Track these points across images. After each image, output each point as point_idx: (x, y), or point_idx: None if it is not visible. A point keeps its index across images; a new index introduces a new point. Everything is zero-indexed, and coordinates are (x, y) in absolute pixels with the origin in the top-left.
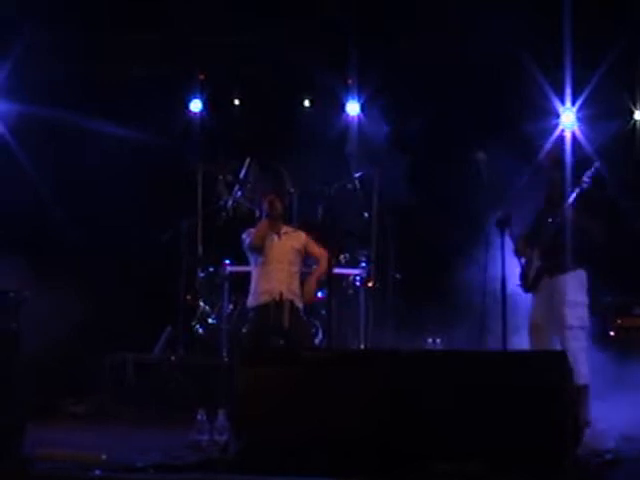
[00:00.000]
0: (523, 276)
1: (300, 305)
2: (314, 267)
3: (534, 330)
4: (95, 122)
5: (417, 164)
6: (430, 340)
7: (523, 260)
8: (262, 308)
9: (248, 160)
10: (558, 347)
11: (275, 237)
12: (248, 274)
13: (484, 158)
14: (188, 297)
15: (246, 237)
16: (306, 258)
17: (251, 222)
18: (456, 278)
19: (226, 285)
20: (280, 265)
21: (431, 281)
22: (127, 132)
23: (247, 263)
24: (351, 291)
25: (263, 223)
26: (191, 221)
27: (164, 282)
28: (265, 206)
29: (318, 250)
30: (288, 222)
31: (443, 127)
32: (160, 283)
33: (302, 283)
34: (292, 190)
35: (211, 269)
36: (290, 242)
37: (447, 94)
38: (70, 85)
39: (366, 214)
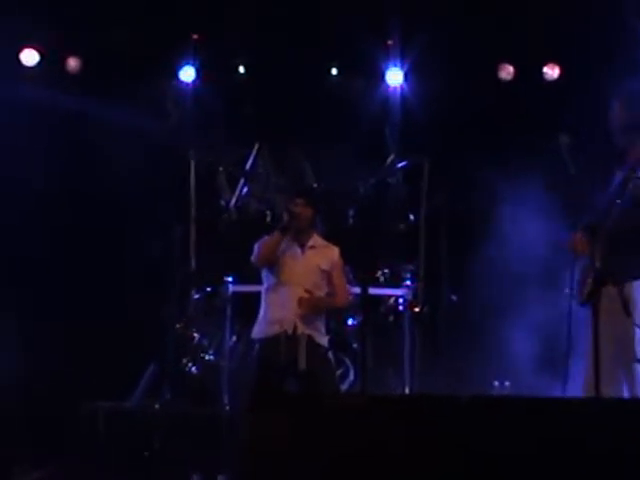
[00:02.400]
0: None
1: (323, 341)
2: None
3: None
4: (61, 99)
5: (479, 151)
6: (497, 383)
7: (582, 260)
8: (270, 341)
9: (257, 146)
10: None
11: (298, 250)
12: (257, 296)
13: (568, 142)
14: (178, 326)
15: (256, 248)
16: None
17: (261, 227)
18: (531, 302)
19: (228, 310)
20: (299, 288)
21: (498, 305)
22: (99, 110)
23: (256, 281)
24: (392, 318)
25: (275, 237)
26: (182, 227)
27: (147, 306)
28: (285, 215)
29: (340, 281)
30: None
31: (516, 104)
32: (142, 307)
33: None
34: (315, 186)
35: (209, 289)
36: (316, 259)
37: (516, 59)
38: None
39: (412, 217)
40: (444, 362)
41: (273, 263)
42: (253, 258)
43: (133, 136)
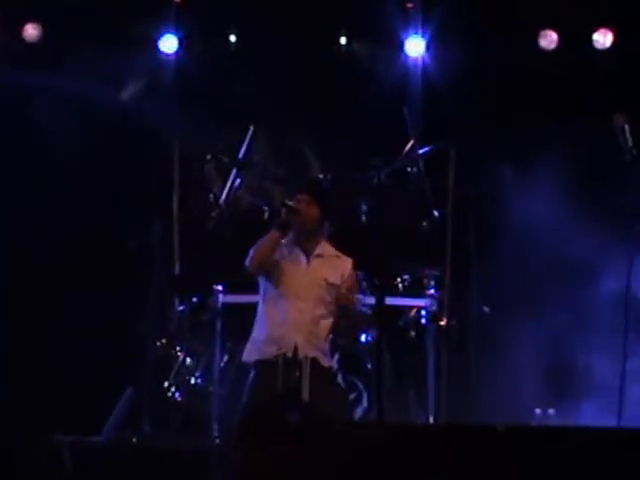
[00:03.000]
0: None
1: (330, 363)
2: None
3: None
4: (17, 71)
5: (516, 134)
6: (538, 410)
7: None
8: (266, 365)
9: (252, 130)
10: None
11: (302, 259)
12: (252, 308)
13: (625, 123)
14: (159, 343)
15: (251, 252)
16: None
17: (256, 226)
18: (578, 314)
19: (218, 325)
20: (301, 303)
21: (538, 318)
22: (61, 85)
23: (252, 290)
24: (413, 333)
25: (272, 236)
26: (164, 225)
27: (121, 320)
28: (283, 211)
29: (354, 295)
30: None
31: (560, 78)
32: (115, 322)
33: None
34: (321, 176)
35: (195, 300)
36: (324, 270)
37: (561, 24)
38: None
39: (436, 213)
40: (475, 385)
41: (270, 270)
42: (247, 262)
43: (103, 117)
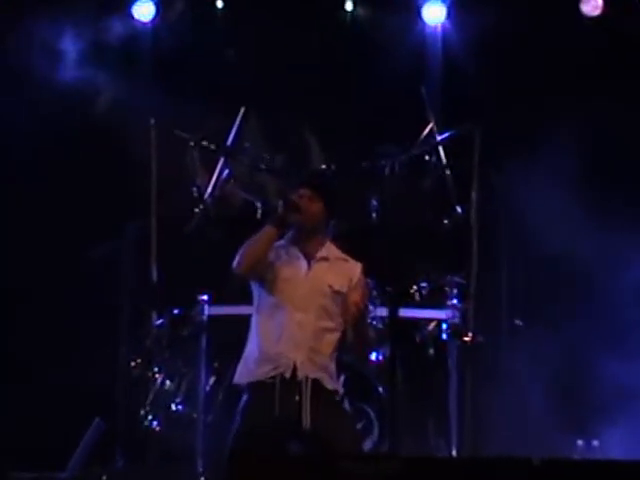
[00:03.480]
0: None
1: (335, 386)
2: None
3: None
4: None
5: (553, 115)
6: (580, 442)
7: None
8: (260, 388)
9: (243, 110)
10: None
11: (303, 262)
12: (243, 321)
13: None
14: (133, 363)
15: (240, 251)
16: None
17: (248, 225)
18: (627, 329)
19: (203, 341)
20: (301, 314)
21: (582, 332)
22: (17, 57)
23: (244, 300)
24: (432, 350)
25: (266, 232)
26: (139, 225)
27: (89, 337)
28: (280, 204)
29: (357, 298)
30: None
31: (605, 49)
32: (82, 339)
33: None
34: (324, 167)
35: (176, 311)
36: (328, 275)
37: None
38: None
39: (459, 208)
40: (506, 411)
41: (263, 273)
42: (235, 264)
43: (65, 94)
